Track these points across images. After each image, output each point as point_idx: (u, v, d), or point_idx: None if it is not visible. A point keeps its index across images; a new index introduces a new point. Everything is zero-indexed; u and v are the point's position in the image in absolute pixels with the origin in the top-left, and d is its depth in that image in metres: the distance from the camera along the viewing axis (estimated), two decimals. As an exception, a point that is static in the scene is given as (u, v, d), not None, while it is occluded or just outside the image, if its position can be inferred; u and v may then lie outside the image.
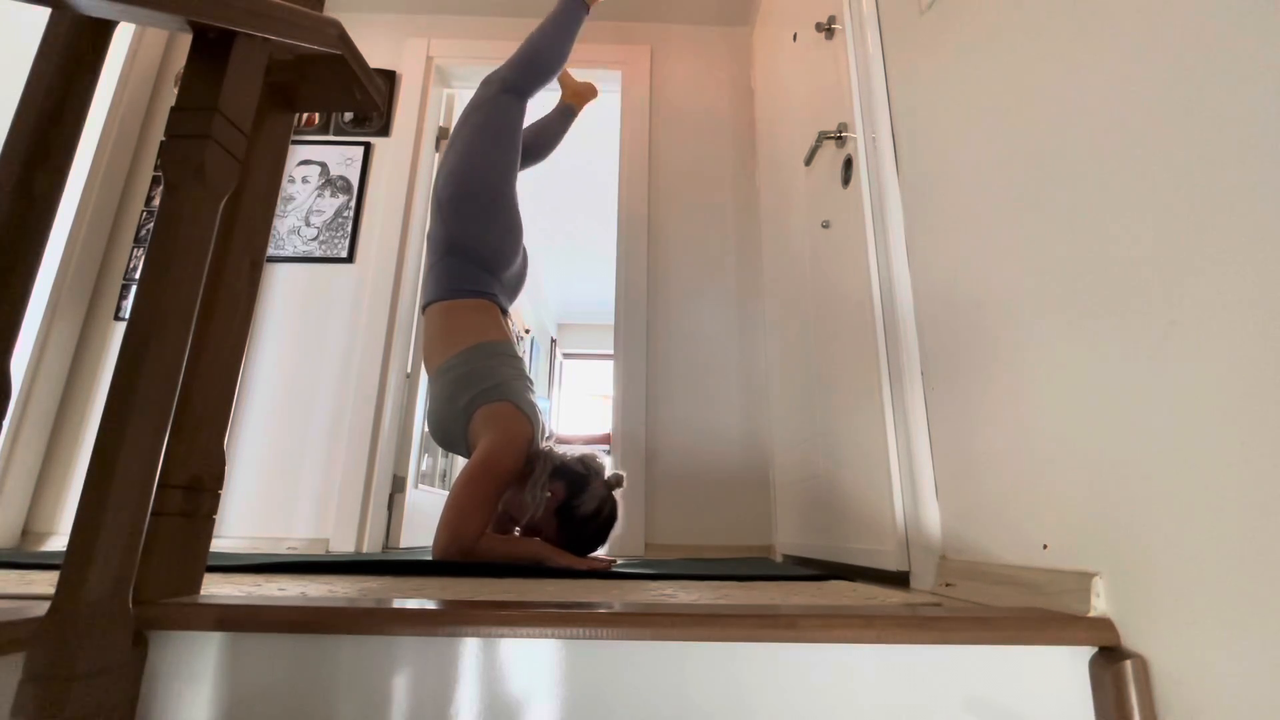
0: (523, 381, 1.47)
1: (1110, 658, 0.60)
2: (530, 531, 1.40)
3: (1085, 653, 0.62)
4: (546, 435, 1.48)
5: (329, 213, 2.39)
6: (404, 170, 2.43)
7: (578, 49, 2.63)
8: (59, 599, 0.50)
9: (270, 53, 0.72)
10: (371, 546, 2.10)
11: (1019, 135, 0.84)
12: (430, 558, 1.34)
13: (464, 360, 1.44)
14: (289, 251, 2.34)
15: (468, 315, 1.50)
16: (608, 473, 1.46)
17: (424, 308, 1.56)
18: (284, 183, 2.40)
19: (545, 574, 1.15)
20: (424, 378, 2.47)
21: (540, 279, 5.75)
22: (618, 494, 1.44)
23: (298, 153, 2.45)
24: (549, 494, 1.38)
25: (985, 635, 0.62)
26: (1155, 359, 0.61)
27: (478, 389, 1.41)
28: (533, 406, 1.45)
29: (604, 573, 1.17)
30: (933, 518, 1.03)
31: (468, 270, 1.53)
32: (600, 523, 1.40)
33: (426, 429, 1.53)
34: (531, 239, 4.98)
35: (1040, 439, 0.77)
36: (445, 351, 1.47)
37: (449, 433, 1.44)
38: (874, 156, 1.27)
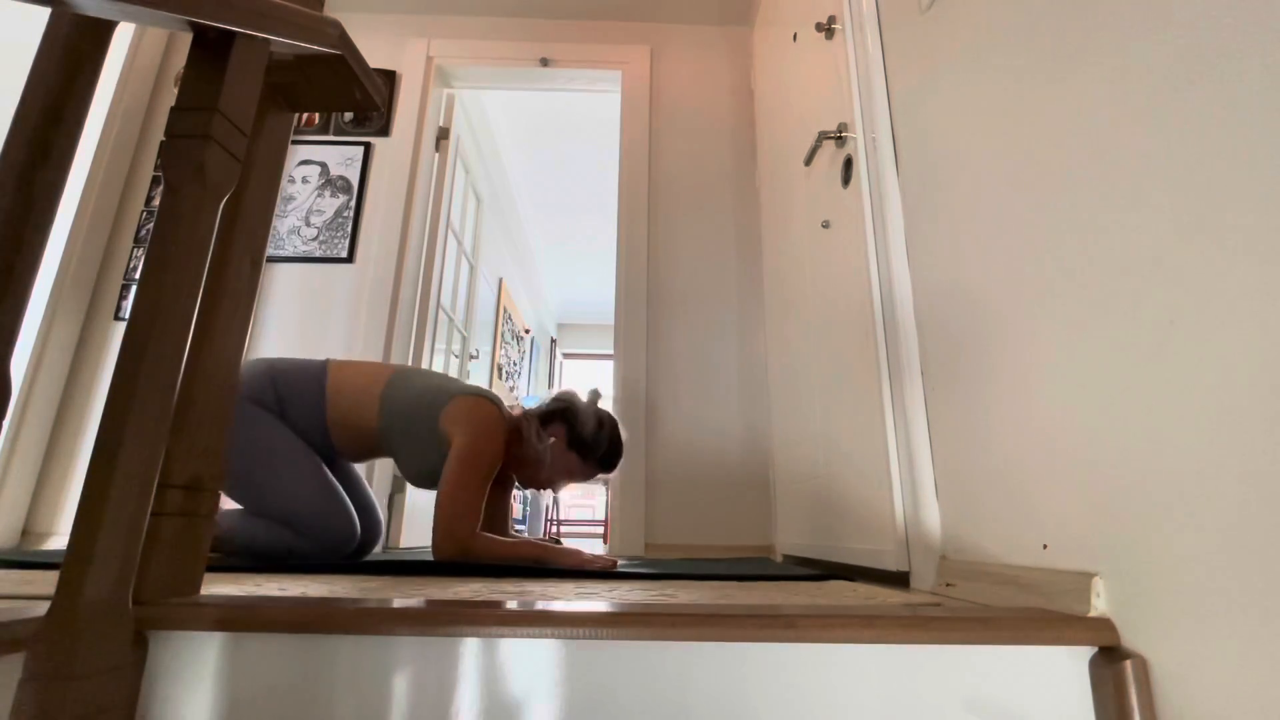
0: (454, 379, 1.47)
1: (1110, 658, 0.60)
2: (556, 479, 1.45)
3: (1085, 653, 0.62)
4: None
5: (329, 213, 2.39)
6: (404, 170, 2.43)
7: (577, 49, 2.63)
8: (59, 599, 0.50)
9: (270, 53, 0.72)
10: (371, 546, 2.09)
11: (1019, 134, 0.84)
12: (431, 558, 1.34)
13: (390, 397, 1.39)
14: (289, 251, 2.34)
15: (348, 381, 1.41)
16: (582, 395, 1.50)
17: (333, 441, 1.42)
18: (284, 183, 2.40)
19: (546, 574, 1.15)
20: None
21: (540, 279, 5.75)
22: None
23: (298, 153, 2.45)
24: (552, 439, 1.42)
25: (985, 635, 0.62)
26: (1155, 358, 0.61)
27: (425, 407, 1.37)
28: (485, 390, 1.46)
29: (605, 572, 1.17)
30: (933, 518, 1.03)
31: (284, 403, 1.38)
32: (609, 431, 1.46)
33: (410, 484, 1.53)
34: (532, 238, 4.99)
35: (1040, 439, 0.77)
36: (370, 409, 1.39)
37: (434, 470, 1.38)
38: (874, 156, 1.27)
